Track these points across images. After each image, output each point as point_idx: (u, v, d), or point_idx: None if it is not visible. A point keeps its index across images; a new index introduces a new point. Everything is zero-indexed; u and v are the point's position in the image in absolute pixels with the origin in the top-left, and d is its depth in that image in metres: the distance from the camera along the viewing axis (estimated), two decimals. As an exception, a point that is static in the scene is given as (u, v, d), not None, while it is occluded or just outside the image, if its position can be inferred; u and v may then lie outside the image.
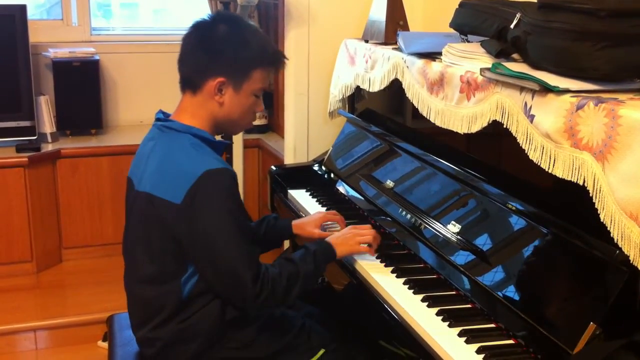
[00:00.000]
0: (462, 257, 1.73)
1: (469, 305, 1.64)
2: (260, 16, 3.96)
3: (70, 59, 3.65)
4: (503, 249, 1.68)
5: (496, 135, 1.75)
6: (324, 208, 2.32)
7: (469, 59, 1.85)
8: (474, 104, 1.76)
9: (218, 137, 1.94)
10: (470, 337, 1.49)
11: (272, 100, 4.03)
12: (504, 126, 1.62)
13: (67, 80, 3.64)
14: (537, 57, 1.58)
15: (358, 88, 2.59)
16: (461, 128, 1.82)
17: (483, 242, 1.72)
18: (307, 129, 3.06)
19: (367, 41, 2.58)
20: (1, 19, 3.39)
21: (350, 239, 1.88)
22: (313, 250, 1.80)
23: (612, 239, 1.30)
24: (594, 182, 1.34)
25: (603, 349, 1.31)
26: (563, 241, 1.50)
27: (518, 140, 1.57)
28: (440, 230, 1.85)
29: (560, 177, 1.43)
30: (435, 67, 1.96)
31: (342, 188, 2.44)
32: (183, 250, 1.68)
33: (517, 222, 1.66)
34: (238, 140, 3.44)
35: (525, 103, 1.54)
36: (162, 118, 1.80)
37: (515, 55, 1.73)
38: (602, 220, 1.32)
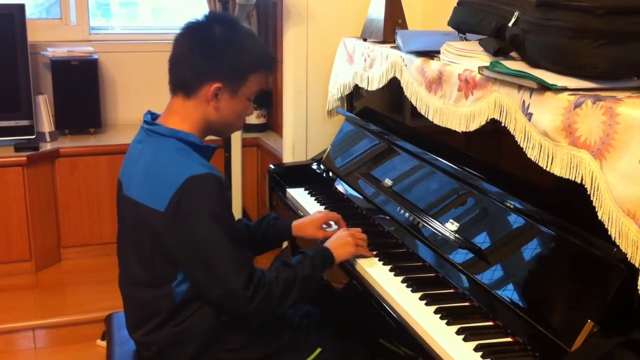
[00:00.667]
0: (460, 256, 1.74)
1: (467, 304, 1.64)
2: (259, 15, 3.96)
3: (69, 58, 3.65)
4: (501, 247, 1.68)
5: (494, 133, 1.75)
6: (323, 207, 2.32)
7: (467, 57, 1.85)
8: (472, 103, 1.76)
9: (214, 137, 1.92)
10: (468, 335, 1.49)
11: (271, 99, 4.03)
12: (502, 124, 1.62)
13: (65, 80, 3.63)
14: (535, 55, 1.58)
15: (357, 87, 2.59)
16: (459, 126, 1.82)
17: (481, 240, 1.72)
18: (306, 128, 3.06)
19: (365, 40, 2.58)
20: (0, 17, 3.38)
21: (347, 242, 1.87)
22: (311, 255, 1.79)
23: (610, 236, 1.30)
24: (592, 180, 1.34)
25: (600, 346, 1.31)
26: (561, 239, 1.51)
27: (516, 139, 1.57)
28: (439, 229, 1.85)
29: (558, 175, 1.43)
30: (433, 65, 1.96)
31: (341, 187, 2.44)
32: (172, 257, 1.67)
33: (515, 221, 1.67)
34: (237, 139, 3.44)
35: (523, 101, 1.54)
36: (149, 121, 1.76)
37: (513, 54, 1.73)
38: (599, 218, 1.32)
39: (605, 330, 1.31)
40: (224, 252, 1.62)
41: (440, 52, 1.97)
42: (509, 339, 1.49)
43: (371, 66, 2.41)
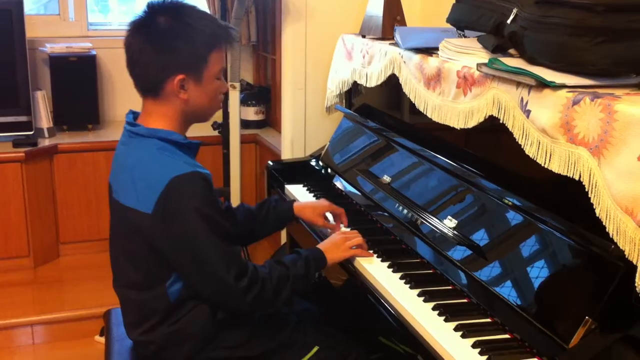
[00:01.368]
0: (458, 252, 1.74)
1: (465, 300, 1.65)
2: (257, 11, 3.96)
3: (67, 54, 3.64)
4: (499, 244, 1.68)
5: (493, 130, 1.75)
6: (321, 203, 2.32)
7: (465, 54, 1.85)
8: (470, 99, 1.76)
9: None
10: (466, 331, 1.49)
11: (269, 95, 4.03)
12: (501, 121, 1.62)
13: (64, 76, 3.63)
14: (533, 52, 1.58)
15: (355, 83, 2.59)
16: (458, 123, 1.82)
17: (479, 237, 1.72)
18: (305, 124, 3.07)
19: (364, 36, 2.58)
20: (-2, 14, 3.39)
21: (340, 244, 1.87)
22: (305, 255, 1.79)
23: (608, 233, 1.30)
24: (590, 177, 1.34)
25: (598, 343, 1.31)
26: (559, 236, 1.51)
27: (514, 136, 1.57)
28: (437, 226, 1.85)
29: (556, 172, 1.43)
30: (432, 62, 1.96)
31: (339, 183, 2.44)
32: (164, 257, 1.66)
33: (513, 218, 1.67)
34: (235, 135, 3.43)
35: (522, 98, 1.54)
36: (131, 122, 1.74)
37: (512, 51, 1.73)
38: (597, 215, 1.32)
39: (603, 327, 1.32)
40: (213, 249, 1.62)
41: (439, 48, 1.97)
42: (507, 336, 1.49)
43: (370, 63, 2.41)
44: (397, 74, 2.20)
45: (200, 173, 1.63)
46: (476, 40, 1.85)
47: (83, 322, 3.02)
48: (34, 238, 3.42)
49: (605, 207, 1.31)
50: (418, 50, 2.11)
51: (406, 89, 2.12)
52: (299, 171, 2.62)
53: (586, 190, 1.35)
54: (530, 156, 1.51)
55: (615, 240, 1.29)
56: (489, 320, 1.55)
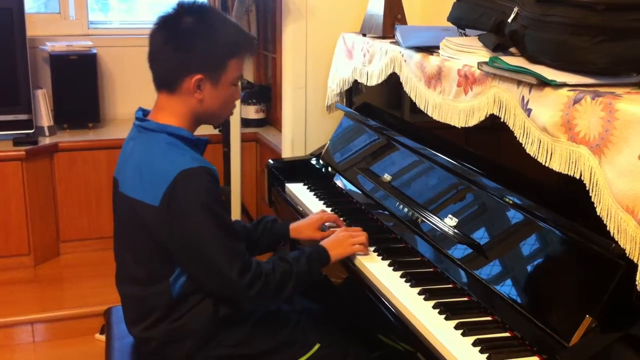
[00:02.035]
0: (459, 251, 1.74)
1: (466, 299, 1.65)
2: (257, 9, 3.96)
3: (68, 52, 3.65)
4: (500, 242, 1.68)
5: (494, 129, 1.75)
6: (322, 202, 2.32)
7: (466, 52, 1.85)
8: (471, 98, 1.76)
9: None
10: (466, 329, 1.49)
11: (270, 94, 4.03)
12: (501, 120, 1.62)
13: (64, 74, 3.63)
14: (534, 50, 1.58)
15: (356, 82, 2.59)
16: (459, 122, 1.82)
17: (480, 235, 1.73)
18: (305, 123, 3.06)
19: (365, 35, 2.58)
20: (-1, 12, 3.39)
21: (343, 241, 1.88)
22: (308, 252, 1.79)
23: (609, 232, 1.30)
24: (591, 176, 1.34)
25: (599, 342, 1.31)
26: (560, 235, 1.51)
27: (515, 134, 1.57)
28: (438, 224, 1.85)
29: (557, 171, 1.43)
30: (432, 60, 1.97)
31: (340, 182, 2.44)
32: (168, 252, 1.67)
33: (514, 216, 1.67)
34: (235, 134, 3.43)
35: (523, 97, 1.54)
36: (141, 117, 1.76)
37: (512, 49, 1.73)
38: (598, 213, 1.32)
39: (603, 326, 1.32)
40: (217, 243, 1.63)
41: (440, 47, 1.97)
42: (507, 334, 1.49)
43: (370, 61, 2.41)
44: (397, 73, 2.20)
45: (207, 168, 1.65)
46: (477, 38, 1.85)
47: (83, 320, 3.02)
48: (35, 236, 3.43)
49: (606, 205, 1.31)
50: (419, 49, 2.11)
51: (407, 88, 2.12)
52: (299, 170, 2.62)
53: (587, 188, 1.35)
54: (531, 155, 1.51)
55: (616, 239, 1.29)
56: (489, 318, 1.56)
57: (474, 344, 1.44)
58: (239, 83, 1.80)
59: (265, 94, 4.03)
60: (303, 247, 1.83)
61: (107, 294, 2.89)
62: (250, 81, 4.20)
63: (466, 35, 2.02)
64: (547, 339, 1.39)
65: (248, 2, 3.53)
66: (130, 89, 3.96)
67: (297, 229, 2.05)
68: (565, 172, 1.41)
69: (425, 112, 1.99)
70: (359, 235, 1.90)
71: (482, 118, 1.72)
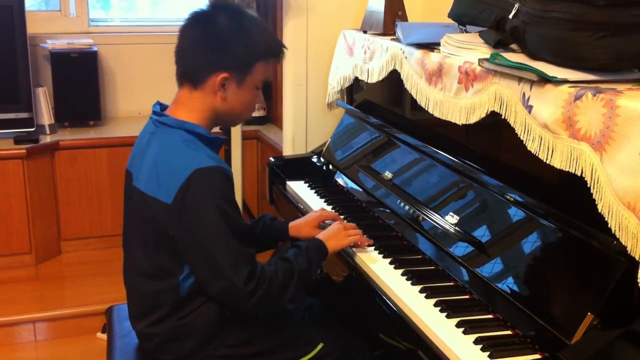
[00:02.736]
0: (460, 249, 1.73)
1: (467, 296, 1.64)
2: (258, 6, 3.94)
3: (68, 50, 3.64)
4: (501, 240, 1.68)
5: (495, 126, 1.74)
6: (323, 200, 2.32)
7: (467, 49, 1.85)
8: (472, 95, 1.75)
9: (217, 129, 1.91)
10: (468, 327, 1.49)
11: (271, 92, 4.02)
12: (502, 117, 1.62)
13: (65, 72, 3.63)
14: (535, 47, 1.58)
15: (357, 79, 2.58)
16: (459, 119, 1.82)
17: (481, 233, 1.72)
18: (306, 121, 3.06)
19: (365, 32, 2.58)
20: (-1, 10, 3.38)
21: (338, 233, 1.87)
22: (305, 248, 1.79)
23: (610, 229, 1.30)
24: (592, 173, 1.34)
25: (600, 339, 1.31)
26: (561, 232, 1.50)
27: (516, 131, 1.56)
28: (439, 222, 1.85)
29: (558, 168, 1.43)
30: (433, 57, 1.96)
31: (341, 179, 2.44)
32: (178, 249, 1.66)
33: (515, 214, 1.66)
34: (237, 132, 3.43)
35: (524, 94, 1.54)
36: (158, 112, 1.76)
37: (513, 46, 1.73)
38: (599, 210, 1.32)
39: (605, 323, 1.31)
40: (226, 246, 1.62)
41: (441, 44, 1.96)
42: (508, 332, 1.49)
43: (371, 58, 2.40)
44: (398, 70, 2.19)
45: (222, 168, 1.65)
46: (478, 35, 1.84)
47: (85, 318, 3.02)
48: (36, 235, 3.42)
49: (607, 202, 1.30)
50: (419, 46, 2.10)
51: (407, 85, 2.11)
52: (300, 167, 2.62)
53: (588, 186, 1.34)
54: (532, 152, 1.51)
55: (617, 236, 1.29)
56: (490, 316, 1.55)
57: (476, 342, 1.44)
58: (261, 88, 1.81)
59: (267, 91, 4.03)
60: (299, 243, 1.82)
61: (108, 293, 2.90)
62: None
63: (467, 32, 2.01)
64: (548, 337, 1.39)
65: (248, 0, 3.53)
66: (132, 87, 3.95)
67: (296, 227, 2.05)
68: (567, 169, 1.40)
69: (426, 109, 1.99)
70: (353, 226, 1.91)
71: (483, 115, 1.71)
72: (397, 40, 2.23)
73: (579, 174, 1.37)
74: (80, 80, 3.67)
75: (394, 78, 2.22)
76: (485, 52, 1.76)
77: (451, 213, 1.83)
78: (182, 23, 1.76)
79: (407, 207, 1.99)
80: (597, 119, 1.32)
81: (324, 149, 2.63)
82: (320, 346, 1.82)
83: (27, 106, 3.45)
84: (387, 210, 2.08)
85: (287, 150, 3.11)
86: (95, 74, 3.72)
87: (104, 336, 2.47)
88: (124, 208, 1.83)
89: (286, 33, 3.01)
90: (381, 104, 2.54)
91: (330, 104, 2.82)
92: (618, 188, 1.28)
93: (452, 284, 1.71)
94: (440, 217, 1.85)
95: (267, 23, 3.92)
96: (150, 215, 1.67)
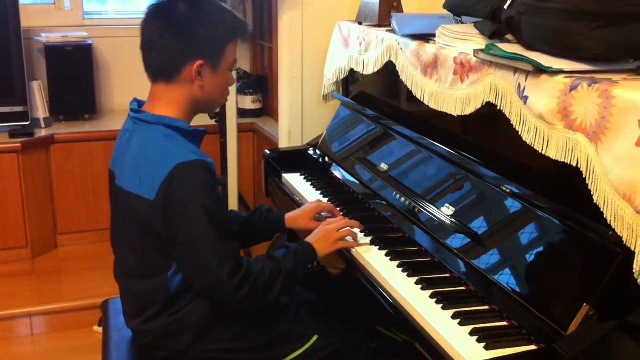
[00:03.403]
0: (456, 241, 1.73)
1: (463, 288, 1.64)
2: (254, -1, 3.94)
3: (63, 43, 3.63)
4: (497, 232, 1.67)
5: (491, 117, 1.74)
6: (319, 192, 2.31)
7: (463, 40, 1.84)
8: (467, 86, 1.75)
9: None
10: (464, 319, 1.49)
11: (266, 84, 4.01)
12: (498, 108, 1.61)
13: (59, 65, 3.62)
14: (531, 37, 1.57)
15: (352, 71, 2.57)
16: (455, 110, 1.81)
17: (478, 225, 1.72)
18: (302, 113, 3.05)
19: (361, 23, 2.57)
20: (-7, 3, 3.36)
21: (328, 236, 1.85)
22: (294, 249, 1.78)
23: (606, 220, 1.30)
24: (588, 163, 1.33)
25: (596, 330, 1.31)
26: (557, 223, 1.50)
27: (512, 122, 1.56)
28: (435, 214, 1.84)
29: (554, 158, 1.43)
30: (429, 49, 1.95)
31: (337, 172, 2.43)
32: (164, 245, 1.66)
33: (511, 205, 1.66)
34: (232, 124, 3.42)
35: (519, 84, 1.53)
36: (136, 109, 1.74)
37: (509, 37, 1.72)
38: (595, 201, 1.32)
39: (600, 314, 1.31)
40: (209, 241, 1.61)
41: (436, 35, 1.96)
42: (504, 323, 1.49)
43: (367, 50, 2.39)
44: (394, 61, 2.18)
45: (204, 162, 1.63)
46: (473, 26, 1.83)
47: (81, 312, 3.02)
48: (32, 229, 3.42)
49: (603, 193, 1.30)
50: (415, 37, 2.09)
51: (403, 76, 2.11)
52: (296, 160, 2.62)
53: (584, 176, 1.34)
54: (528, 143, 1.50)
55: (613, 227, 1.29)
56: (486, 307, 1.55)
57: (471, 333, 1.44)
58: (233, 68, 1.79)
59: (262, 84, 4.02)
60: (289, 244, 1.81)
61: (104, 286, 2.88)
62: (246, 71, 4.18)
63: (462, 23, 2.00)
64: (544, 328, 1.39)
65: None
66: (127, 80, 3.94)
67: (293, 218, 2.04)
68: (562, 160, 1.40)
69: (422, 100, 1.98)
70: (342, 226, 1.88)
71: (479, 106, 1.71)
72: (393, 31, 2.23)
73: (574, 165, 1.37)
74: (75, 73, 3.66)
75: (389, 69, 2.22)
76: (481, 43, 1.75)
77: (447, 205, 1.82)
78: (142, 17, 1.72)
79: (403, 199, 1.99)
80: (593, 109, 1.32)
81: (320, 141, 2.63)
82: (315, 338, 1.82)
83: (21, 100, 3.43)
84: (384, 203, 2.08)
85: (283, 143, 3.11)
86: (90, 68, 3.72)
87: (101, 329, 2.47)
88: (111, 209, 1.82)
89: (281, 25, 3.00)
90: (377, 96, 2.54)
91: (326, 96, 2.81)
92: (614, 178, 1.28)
93: (448, 275, 1.70)
94: (436, 209, 1.85)
95: (260, 16, 3.92)
96: (135, 213, 1.66)
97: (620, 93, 1.26)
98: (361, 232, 1.94)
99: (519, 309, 1.47)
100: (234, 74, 1.78)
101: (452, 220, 1.78)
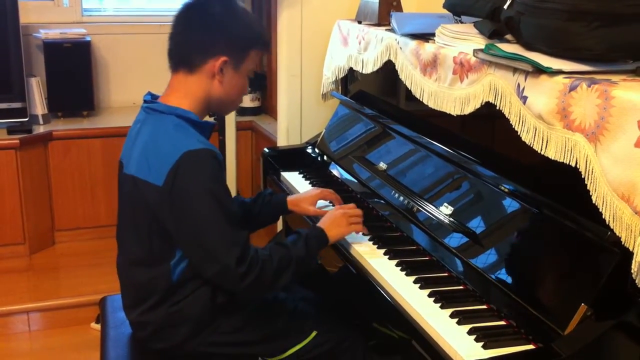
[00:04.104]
0: (454, 240, 1.74)
1: (461, 287, 1.65)
2: (253, -4, 3.93)
3: (62, 40, 3.62)
4: (495, 231, 1.68)
5: (490, 117, 1.74)
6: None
7: (462, 40, 1.84)
8: (467, 86, 1.75)
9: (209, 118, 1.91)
10: (462, 318, 1.49)
11: (265, 82, 4.01)
12: (497, 108, 1.62)
13: (58, 62, 3.61)
14: (530, 37, 1.57)
15: (351, 70, 2.58)
16: (454, 110, 1.82)
17: (476, 224, 1.72)
18: (300, 111, 3.05)
19: (360, 22, 2.57)
20: (-9, -1, 3.35)
21: (340, 220, 1.86)
22: (305, 235, 1.78)
23: (604, 220, 1.30)
24: (586, 164, 1.34)
25: (594, 330, 1.31)
26: (555, 223, 1.51)
27: (511, 122, 1.56)
28: (433, 213, 1.85)
29: (552, 158, 1.43)
30: (428, 48, 1.95)
31: (336, 170, 2.44)
32: (169, 233, 1.67)
33: (509, 204, 1.66)
34: (231, 122, 3.43)
35: (518, 84, 1.54)
36: (149, 100, 1.77)
37: (508, 36, 1.72)
38: (594, 201, 1.32)
39: (598, 314, 1.32)
40: (217, 228, 1.62)
41: (435, 34, 1.96)
42: (502, 322, 1.49)
43: (366, 49, 2.40)
44: (393, 60, 2.18)
45: (212, 151, 1.65)
46: (473, 25, 1.84)
47: (79, 309, 3.02)
48: (29, 225, 3.41)
49: (601, 193, 1.30)
50: (414, 36, 2.10)
51: (402, 76, 2.11)
52: (294, 158, 2.62)
53: (582, 176, 1.35)
54: (527, 143, 1.51)
55: (611, 227, 1.29)
56: (484, 307, 1.55)
57: (470, 332, 1.44)
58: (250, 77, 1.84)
59: (261, 82, 4.02)
60: (300, 230, 1.82)
61: (102, 283, 2.90)
62: (245, 69, 4.17)
63: (462, 22, 2.01)
64: (542, 327, 1.39)
65: (243, -11, 3.51)
66: (125, 77, 3.94)
67: (295, 201, 2.08)
68: (561, 160, 1.40)
69: (421, 100, 1.98)
70: (355, 213, 1.90)
71: (478, 106, 1.71)
72: (392, 30, 2.23)
73: (573, 165, 1.37)
74: (74, 70, 3.65)
75: (388, 69, 2.22)
76: (480, 42, 1.75)
77: (446, 204, 1.83)
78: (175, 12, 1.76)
79: (401, 198, 1.99)
80: (592, 109, 1.32)
81: (319, 139, 2.63)
82: (313, 334, 1.83)
83: (20, 96, 3.42)
84: (382, 201, 2.08)
85: (282, 141, 3.11)
86: (89, 64, 3.71)
87: (98, 326, 2.47)
88: (118, 199, 1.83)
89: (280, 23, 3.00)
90: (376, 95, 2.54)
91: (325, 94, 2.82)
92: (612, 179, 1.28)
93: (446, 274, 1.71)
94: (434, 208, 1.85)
95: (259, 15, 3.91)
96: (142, 200, 1.67)
97: (619, 94, 1.27)
98: (359, 230, 1.94)
99: (516, 308, 1.47)
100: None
101: (451, 219, 1.78)
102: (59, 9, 3.88)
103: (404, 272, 1.71)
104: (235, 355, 1.80)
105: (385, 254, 1.82)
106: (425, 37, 2.07)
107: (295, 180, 2.43)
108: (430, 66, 1.93)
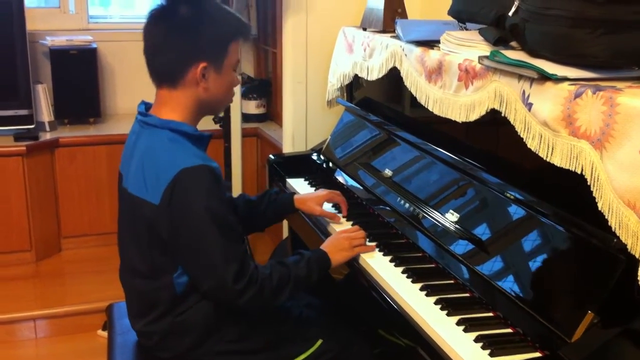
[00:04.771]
0: (460, 247, 1.73)
1: (468, 294, 1.64)
2: (258, 3, 3.94)
3: (68, 47, 3.63)
4: (501, 238, 1.68)
5: (495, 124, 1.74)
6: (323, 197, 2.31)
7: (467, 46, 1.84)
8: (472, 93, 1.75)
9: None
10: (468, 325, 1.49)
11: (270, 89, 4.02)
12: (502, 115, 1.62)
13: (64, 69, 3.62)
14: (535, 44, 1.57)
15: (356, 76, 2.58)
16: (459, 117, 1.82)
17: (482, 231, 1.72)
18: (306, 118, 3.06)
19: (365, 29, 2.57)
20: (-2, 6, 3.37)
21: (343, 244, 1.86)
22: (308, 257, 1.78)
23: (610, 227, 1.30)
24: (592, 171, 1.34)
25: (600, 337, 1.31)
26: (561, 230, 1.50)
27: (516, 129, 1.56)
28: (439, 220, 1.84)
29: (558, 165, 1.43)
30: (433, 55, 1.96)
31: (341, 177, 2.44)
32: (169, 248, 1.67)
33: (515, 211, 1.66)
34: (236, 129, 3.43)
35: (524, 91, 1.54)
36: (143, 112, 1.75)
37: (513, 43, 1.73)
38: (599, 208, 1.32)
39: (605, 321, 1.31)
40: (214, 244, 1.61)
41: (440, 41, 1.96)
42: (509, 330, 1.49)
43: (371, 56, 2.40)
44: (398, 67, 2.19)
45: (209, 167, 1.63)
46: (477, 32, 1.84)
47: (85, 316, 3.02)
48: (36, 232, 3.42)
49: (607, 200, 1.30)
50: (419, 43, 2.10)
51: (407, 82, 2.11)
52: (300, 165, 2.62)
53: (588, 183, 1.34)
54: (532, 150, 1.51)
55: (617, 234, 1.29)
56: (491, 314, 1.55)
57: (476, 340, 1.44)
58: (237, 69, 1.80)
59: (266, 88, 4.02)
60: (303, 251, 1.82)
61: (109, 290, 2.89)
62: (250, 76, 4.19)
63: (467, 29, 2.01)
64: (549, 335, 1.39)
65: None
66: (131, 84, 3.95)
67: (302, 199, 2.09)
68: (567, 167, 1.40)
69: (426, 106, 1.98)
70: (359, 236, 1.89)
71: (483, 113, 1.71)
72: (397, 37, 2.23)
73: (579, 172, 1.37)
74: (80, 77, 3.66)
75: (393, 75, 2.22)
76: (485, 49, 1.76)
77: (451, 211, 1.83)
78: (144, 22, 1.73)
79: (407, 205, 1.99)
80: (597, 116, 1.32)
81: (324, 146, 2.63)
82: (319, 342, 1.82)
83: (26, 103, 3.44)
84: (387, 208, 2.08)
85: (287, 148, 3.11)
86: (95, 71, 3.72)
87: (105, 333, 2.48)
88: (118, 209, 1.83)
89: (286, 30, 3.01)
90: (381, 102, 2.54)
91: (330, 101, 2.82)
92: (618, 186, 1.28)
93: (452, 281, 1.70)
94: (440, 215, 1.85)
95: (264, 21, 3.92)
96: (141, 216, 1.67)
97: (624, 100, 1.27)
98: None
99: (523, 315, 1.47)
100: (239, 77, 1.78)
101: (456, 226, 1.78)
102: (65, 16, 3.90)
103: (410, 279, 1.71)
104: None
105: (391, 261, 1.82)
106: (430, 44, 2.08)
107: (300, 186, 2.44)
108: (436, 73, 1.93)
